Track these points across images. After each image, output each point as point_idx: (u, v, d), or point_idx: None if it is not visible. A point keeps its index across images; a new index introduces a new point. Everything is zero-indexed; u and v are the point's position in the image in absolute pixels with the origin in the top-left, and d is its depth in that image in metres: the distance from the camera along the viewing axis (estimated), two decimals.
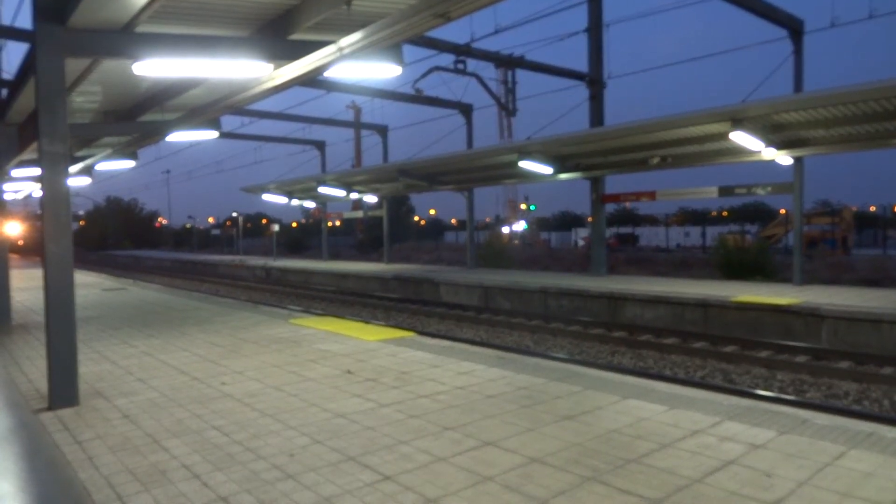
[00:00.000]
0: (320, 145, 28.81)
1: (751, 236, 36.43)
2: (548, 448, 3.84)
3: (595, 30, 17.73)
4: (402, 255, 35.89)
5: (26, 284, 16.67)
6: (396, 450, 3.84)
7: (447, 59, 18.93)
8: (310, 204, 37.10)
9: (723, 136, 12.60)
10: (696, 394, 5.13)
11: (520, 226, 58.49)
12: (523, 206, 65.41)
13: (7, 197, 22.85)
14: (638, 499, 3.10)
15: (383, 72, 6.48)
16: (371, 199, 26.72)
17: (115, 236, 71.94)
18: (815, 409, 5.80)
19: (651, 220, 60.07)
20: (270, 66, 6.30)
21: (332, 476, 3.45)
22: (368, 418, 4.50)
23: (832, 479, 3.30)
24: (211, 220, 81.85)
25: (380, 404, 4.86)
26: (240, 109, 13.02)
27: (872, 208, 46.59)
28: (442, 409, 4.72)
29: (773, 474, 3.39)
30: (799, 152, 12.94)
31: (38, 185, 6.34)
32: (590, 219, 19.71)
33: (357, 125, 34.99)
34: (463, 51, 17.50)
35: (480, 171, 19.40)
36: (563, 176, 17.45)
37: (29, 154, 11.07)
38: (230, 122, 28.56)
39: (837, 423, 4.26)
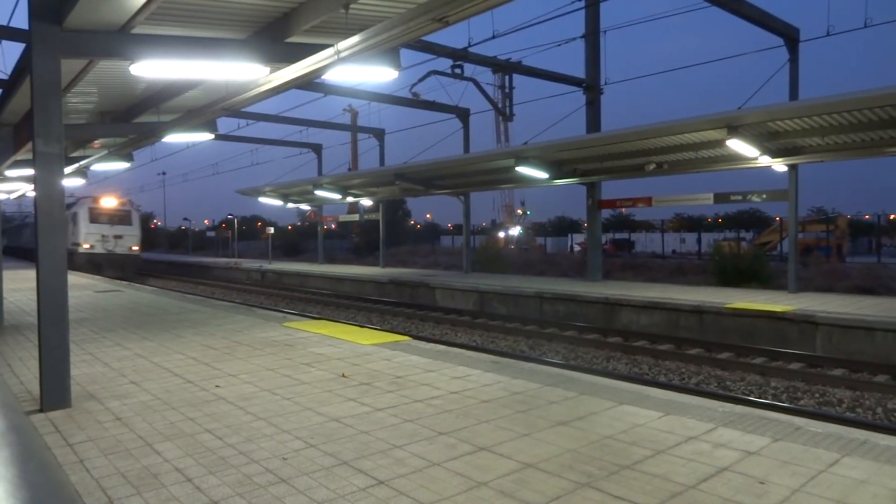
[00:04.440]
0: (317, 148, 28.79)
1: (746, 243, 36.56)
2: (542, 453, 3.83)
3: (592, 36, 17.80)
4: (398, 258, 35.84)
5: (18, 285, 16.59)
6: (391, 454, 3.83)
7: (444, 64, 18.96)
8: (306, 207, 37.05)
9: (719, 143, 12.65)
10: (691, 400, 5.13)
11: (516, 230, 58.58)
12: (520, 211, 65.58)
13: (1, 197, 22.70)
14: None
15: (380, 75, 6.49)
16: (367, 202, 26.71)
17: None
18: (808, 417, 5.80)
19: (647, 227, 60.21)
20: (267, 68, 6.30)
21: (326, 480, 3.43)
22: (363, 422, 4.48)
23: (826, 487, 3.31)
24: (206, 222, 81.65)
25: (374, 408, 4.84)
26: (236, 112, 13.02)
27: (867, 216, 46.86)
28: (436, 413, 4.71)
29: (766, 481, 3.39)
30: (794, 160, 13.00)
31: (33, 186, 6.32)
32: (586, 224, 19.75)
33: (354, 128, 34.99)
34: (460, 55, 17.53)
35: (477, 176, 19.42)
36: (560, 181, 17.48)
37: (24, 154, 11.04)
38: (227, 124, 28.58)
39: (831, 431, 4.27)
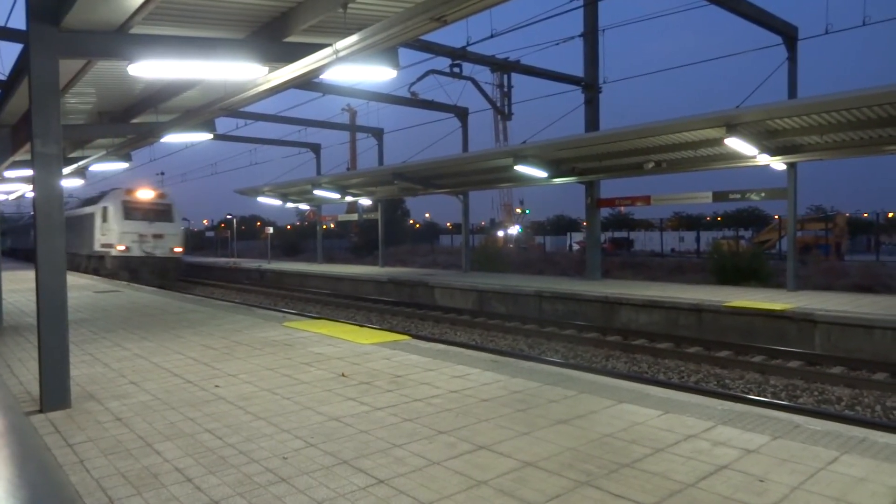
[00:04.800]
0: (315, 148, 28.78)
1: (745, 241, 36.59)
2: (542, 452, 3.83)
3: (591, 34, 17.80)
4: (397, 258, 35.83)
5: (16, 286, 16.57)
6: (390, 453, 3.83)
7: (443, 63, 18.94)
8: (305, 206, 37.02)
9: (717, 141, 12.66)
10: (690, 398, 5.14)
11: (515, 229, 58.59)
12: (518, 210, 65.54)
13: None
14: (631, 503, 3.10)
15: (379, 75, 6.49)
16: (366, 202, 26.70)
17: None
18: (808, 415, 5.81)
19: (646, 225, 60.21)
20: (265, 68, 6.30)
21: (326, 480, 3.43)
22: (362, 422, 4.48)
23: (825, 484, 3.31)
24: (205, 222, 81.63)
25: (374, 408, 4.84)
26: (235, 111, 13.02)
27: (865, 214, 46.89)
28: (436, 412, 4.71)
29: (766, 479, 3.39)
30: (793, 158, 13.01)
31: (31, 187, 6.32)
32: (585, 223, 19.76)
33: (352, 128, 34.99)
34: (459, 54, 17.51)
35: (476, 175, 19.43)
36: (559, 180, 17.48)
37: (22, 155, 11.03)
38: (225, 124, 28.35)
39: (830, 429, 4.28)
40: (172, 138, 11.21)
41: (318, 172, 28.14)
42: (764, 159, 13.04)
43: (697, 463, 3.64)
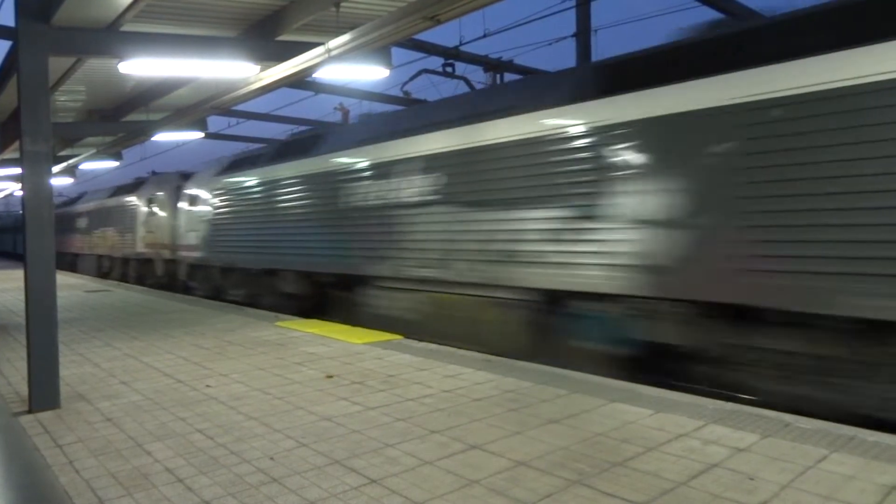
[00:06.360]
0: None
1: None
2: (534, 451, 3.84)
3: (583, 34, 17.84)
4: None
5: (6, 285, 16.43)
6: (382, 453, 3.83)
7: (436, 63, 18.94)
8: None
9: None
10: (682, 398, 5.17)
11: None
12: None
13: None
14: (623, 502, 3.11)
15: (371, 74, 6.49)
16: None
17: None
18: (797, 413, 5.85)
19: None
20: (258, 66, 6.28)
21: (318, 479, 3.43)
22: (354, 421, 4.48)
23: (814, 482, 3.34)
24: None
25: (366, 407, 4.84)
26: (226, 110, 12.98)
27: None
28: (428, 412, 4.71)
29: (756, 477, 3.41)
30: None
31: (20, 185, 6.28)
32: None
33: None
34: (451, 54, 17.51)
35: None
36: None
37: (10, 153, 10.95)
38: (217, 122, 28.24)
39: (819, 427, 4.31)
40: (163, 137, 11.16)
41: None
42: None
43: (688, 461, 3.66)
